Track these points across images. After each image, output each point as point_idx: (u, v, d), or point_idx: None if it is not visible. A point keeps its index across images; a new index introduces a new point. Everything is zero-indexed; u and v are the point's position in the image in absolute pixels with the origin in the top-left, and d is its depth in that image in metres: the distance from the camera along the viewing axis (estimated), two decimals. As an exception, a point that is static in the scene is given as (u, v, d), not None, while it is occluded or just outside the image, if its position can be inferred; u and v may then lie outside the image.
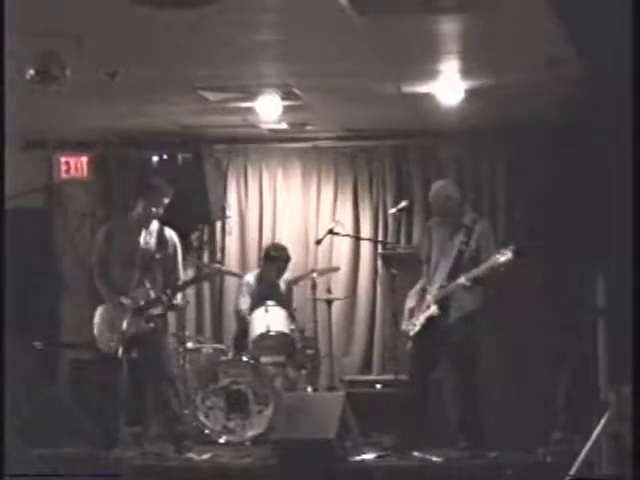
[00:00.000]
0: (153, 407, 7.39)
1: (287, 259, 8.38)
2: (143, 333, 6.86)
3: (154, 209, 7.00)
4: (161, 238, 7.04)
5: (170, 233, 7.11)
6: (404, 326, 7.13)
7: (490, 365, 7.51)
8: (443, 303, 6.87)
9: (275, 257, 8.34)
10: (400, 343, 7.40)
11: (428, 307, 6.93)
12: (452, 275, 6.87)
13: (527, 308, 7.87)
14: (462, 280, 6.74)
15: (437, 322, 6.90)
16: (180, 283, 7.14)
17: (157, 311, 6.99)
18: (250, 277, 8.44)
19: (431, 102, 7.32)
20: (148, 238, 7.03)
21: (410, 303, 7.12)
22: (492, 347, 7.67)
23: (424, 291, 7.05)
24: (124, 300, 6.83)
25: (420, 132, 8.69)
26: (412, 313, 7.05)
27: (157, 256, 6.99)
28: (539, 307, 7.85)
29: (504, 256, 6.61)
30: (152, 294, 6.94)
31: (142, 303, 6.89)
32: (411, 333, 7.02)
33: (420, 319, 6.95)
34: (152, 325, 6.93)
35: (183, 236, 7.60)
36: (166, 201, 7.03)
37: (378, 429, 7.35)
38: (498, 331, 7.79)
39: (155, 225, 7.07)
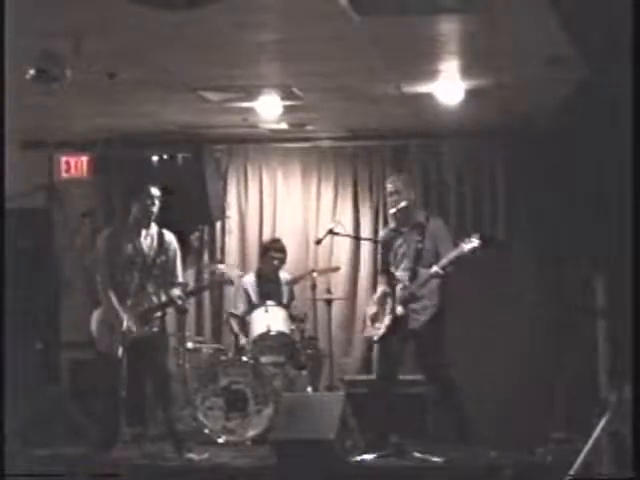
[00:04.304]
0: (155, 409, 7.39)
1: (283, 250, 8.40)
2: (147, 336, 6.87)
3: (151, 209, 6.99)
4: (161, 242, 7.02)
5: (170, 236, 7.09)
6: (367, 332, 7.12)
7: (485, 364, 7.51)
8: (407, 304, 6.85)
9: (272, 249, 8.35)
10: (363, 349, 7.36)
11: (392, 310, 6.89)
12: (413, 276, 6.84)
13: (527, 307, 7.87)
14: (435, 269, 6.72)
15: (403, 323, 6.84)
16: (194, 288, 7.19)
17: (160, 314, 7.01)
18: (248, 279, 8.42)
19: (431, 102, 7.33)
20: (148, 242, 7.01)
21: (371, 310, 7.09)
22: (490, 346, 7.66)
23: (385, 296, 7.00)
24: (126, 304, 6.81)
25: (420, 132, 8.69)
26: (375, 319, 7.01)
27: (158, 260, 6.99)
28: (538, 306, 7.85)
29: (470, 244, 6.64)
30: (154, 298, 6.96)
31: (146, 306, 6.90)
32: (375, 338, 7.00)
33: (385, 322, 6.92)
34: (155, 329, 6.95)
35: (183, 236, 7.60)
36: (157, 201, 7.00)
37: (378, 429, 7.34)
38: (498, 329, 7.79)
39: (154, 228, 7.04)
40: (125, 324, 6.66)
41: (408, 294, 6.81)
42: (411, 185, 7.29)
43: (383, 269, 7.19)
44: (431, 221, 7.06)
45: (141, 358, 6.81)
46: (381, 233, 7.57)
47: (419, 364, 7.05)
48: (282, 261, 8.40)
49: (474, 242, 6.63)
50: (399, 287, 6.87)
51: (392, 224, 7.23)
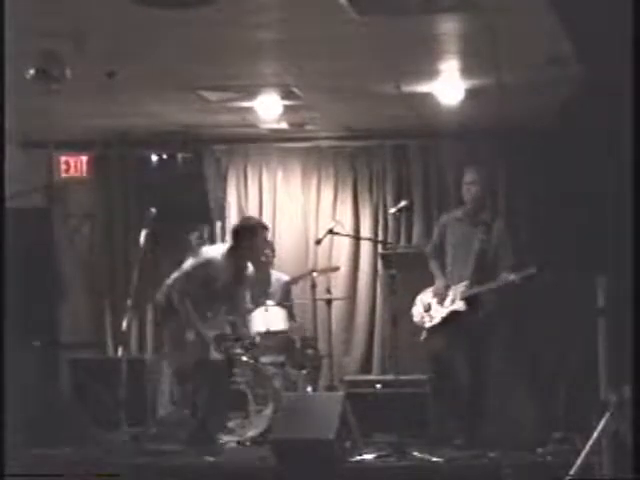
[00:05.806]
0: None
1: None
2: (217, 360, 6.98)
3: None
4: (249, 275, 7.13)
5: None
6: (418, 318, 7.18)
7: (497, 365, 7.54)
8: (471, 300, 6.95)
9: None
10: (406, 337, 7.37)
11: (453, 302, 7.00)
12: (476, 273, 6.96)
13: (528, 309, 7.88)
14: (512, 277, 6.79)
15: (463, 318, 6.98)
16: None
17: (237, 346, 7.17)
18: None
19: (431, 102, 7.33)
20: (235, 274, 7.06)
21: (426, 297, 7.18)
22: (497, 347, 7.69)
23: (447, 288, 7.10)
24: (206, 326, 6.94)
25: (420, 132, 8.70)
26: (429, 307, 7.13)
27: (242, 293, 7.16)
28: (539, 308, 7.85)
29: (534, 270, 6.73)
30: (243, 329, 7.22)
31: (227, 333, 7.07)
32: (427, 325, 7.08)
33: (442, 312, 7.02)
34: (225, 356, 7.06)
35: (183, 236, 7.61)
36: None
37: (378, 429, 7.34)
38: (500, 331, 7.80)
39: (247, 263, 7.10)
40: (213, 345, 6.87)
41: (474, 293, 6.95)
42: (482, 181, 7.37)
43: (435, 255, 7.29)
44: (496, 222, 7.19)
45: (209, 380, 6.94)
46: (442, 218, 7.55)
47: (465, 362, 7.12)
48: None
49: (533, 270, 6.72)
50: (464, 283, 6.98)
51: (456, 213, 7.32)
